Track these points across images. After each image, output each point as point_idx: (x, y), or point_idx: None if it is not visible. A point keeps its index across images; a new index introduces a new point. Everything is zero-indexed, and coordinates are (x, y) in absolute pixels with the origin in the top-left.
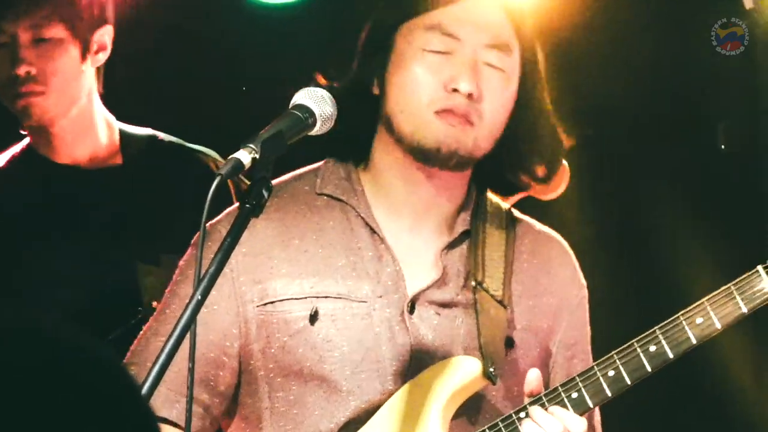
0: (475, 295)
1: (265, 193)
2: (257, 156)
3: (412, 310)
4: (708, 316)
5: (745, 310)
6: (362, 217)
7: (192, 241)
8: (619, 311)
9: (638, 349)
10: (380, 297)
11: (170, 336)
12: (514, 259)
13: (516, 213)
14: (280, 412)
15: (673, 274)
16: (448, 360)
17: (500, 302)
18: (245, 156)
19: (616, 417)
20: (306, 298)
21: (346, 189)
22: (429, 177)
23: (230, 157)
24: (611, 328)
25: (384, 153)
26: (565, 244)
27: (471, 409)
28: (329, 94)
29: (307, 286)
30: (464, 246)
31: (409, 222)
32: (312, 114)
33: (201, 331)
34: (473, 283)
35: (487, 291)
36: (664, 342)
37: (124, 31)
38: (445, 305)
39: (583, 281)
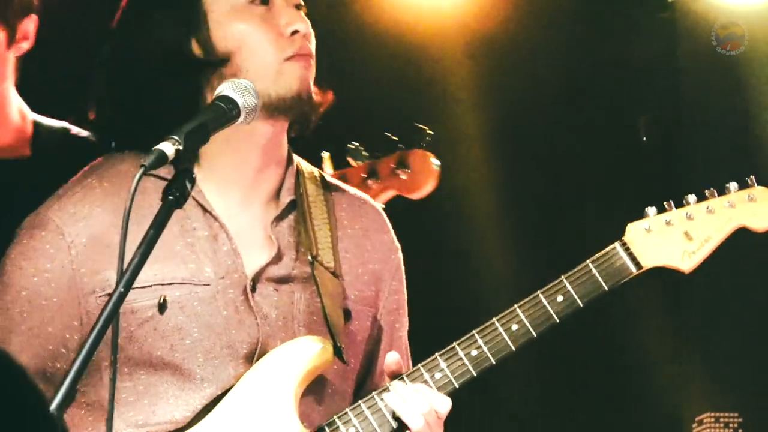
0: (313, 271)
1: (189, 185)
2: (180, 148)
3: (254, 289)
4: (569, 293)
5: (605, 287)
6: (193, 196)
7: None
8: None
9: (500, 328)
10: (222, 278)
11: (92, 329)
12: (338, 227)
13: (327, 177)
14: (129, 403)
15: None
16: (298, 339)
17: (333, 273)
18: (169, 148)
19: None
20: (151, 286)
21: (173, 169)
22: (269, 136)
23: (153, 148)
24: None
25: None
26: (378, 206)
27: (313, 383)
28: (253, 86)
29: (150, 273)
30: (291, 216)
31: (239, 195)
32: (236, 105)
33: (39, 323)
34: (309, 258)
35: (322, 264)
36: (526, 320)
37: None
38: (281, 281)
39: (397, 244)
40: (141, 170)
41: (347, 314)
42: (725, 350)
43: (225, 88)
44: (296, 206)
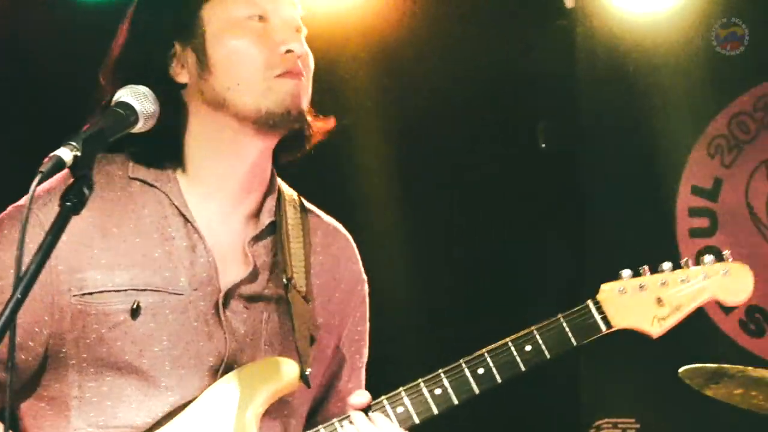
0: (287, 293)
1: (86, 191)
2: (79, 153)
3: (226, 304)
4: (538, 345)
5: (575, 342)
6: (176, 205)
7: None
8: (435, 311)
9: (467, 371)
10: (195, 290)
11: None
12: (311, 252)
13: (305, 202)
14: (92, 403)
15: (493, 272)
16: (267, 359)
17: (305, 298)
18: (67, 153)
19: None
20: (126, 290)
21: (159, 175)
22: (256, 153)
23: (51, 154)
24: (427, 327)
25: (202, 139)
26: (349, 236)
27: (274, 406)
28: (151, 91)
29: (126, 277)
30: (270, 238)
31: (221, 209)
32: (134, 111)
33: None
34: (284, 280)
35: (295, 287)
36: (493, 366)
37: None
38: (253, 299)
39: (365, 276)
40: (38, 176)
41: (312, 339)
42: (622, 355)
43: (123, 94)
44: (275, 228)
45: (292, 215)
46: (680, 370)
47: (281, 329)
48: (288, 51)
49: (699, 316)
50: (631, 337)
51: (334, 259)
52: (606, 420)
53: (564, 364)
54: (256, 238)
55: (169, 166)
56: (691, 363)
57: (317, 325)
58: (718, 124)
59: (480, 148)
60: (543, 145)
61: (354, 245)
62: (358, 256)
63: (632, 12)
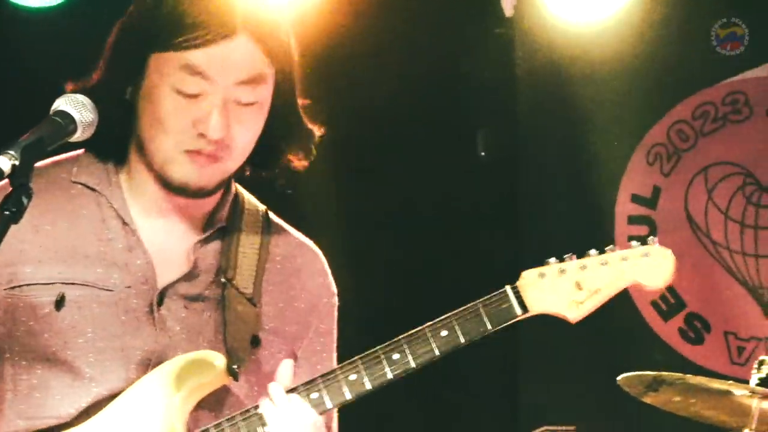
0: (223, 291)
1: (25, 200)
2: (17, 162)
3: (160, 303)
4: (453, 330)
5: (489, 327)
6: (115, 209)
7: None
8: (374, 314)
9: (382, 356)
10: (128, 287)
11: None
12: (267, 260)
13: (273, 216)
14: (23, 395)
15: (430, 278)
16: (193, 353)
17: (250, 300)
18: (5, 162)
19: None
20: (53, 284)
21: (102, 180)
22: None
23: None
24: (365, 332)
25: (138, 162)
26: (319, 252)
27: (215, 402)
28: (90, 101)
29: (55, 271)
30: (218, 242)
31: (162, 221)
32: (72, 120)
33: None
34: (223, 279)
35: (236, 288)
36: (408, 351)
37: None
38: (193, 299)
39: (335, 289)
40: None
41: (256, 340)
42: (562, 362)
43: (61, 103)
44: (225, 233)
45: (249, 223)
46: (619, 377)
47: (222, 329)
48: (201, 135)
49: (638, 324)
50: (571, 343)
51: (295, 271)
52: (546, 428)
53: (503, 372)
54: (204, 241)
55: (113, 171)
56: (631, 371)
57: (266, 329)
58: (657, 133)
59: (419, 155)
60: (482, 153)
61: (324, 261)
62: (328, 272)
63: (570, 21)
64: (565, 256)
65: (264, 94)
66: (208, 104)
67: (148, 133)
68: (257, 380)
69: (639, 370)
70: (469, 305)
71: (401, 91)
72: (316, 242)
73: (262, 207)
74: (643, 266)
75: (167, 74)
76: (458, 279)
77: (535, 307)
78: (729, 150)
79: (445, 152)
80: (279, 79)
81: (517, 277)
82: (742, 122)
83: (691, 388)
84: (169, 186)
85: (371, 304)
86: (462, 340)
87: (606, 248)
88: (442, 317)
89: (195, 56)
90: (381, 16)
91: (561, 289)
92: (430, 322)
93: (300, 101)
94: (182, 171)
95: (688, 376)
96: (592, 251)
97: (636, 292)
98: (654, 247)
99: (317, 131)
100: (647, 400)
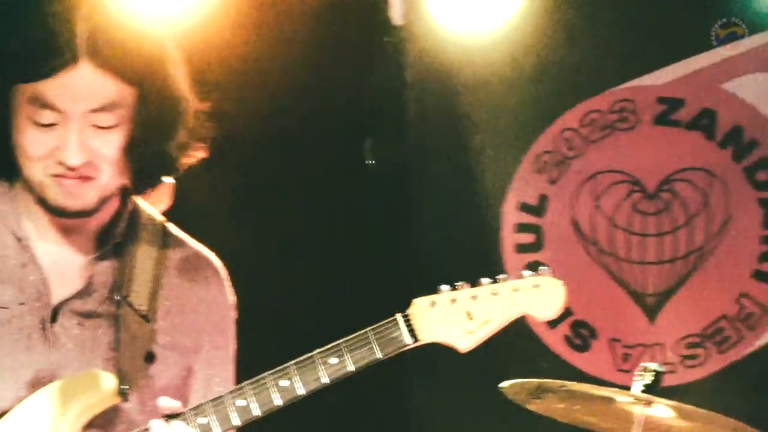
0: (118, 309)
1: None
2: None
3: (54, 319)
4: (343, 358)
5: (380, 355)
6: (9, 225)
7: None
8: (263, 328)
9: (270, 382)
10: (22, 304)
11: None
12: (164, 273)
13: (170, 227)
14: None
15: (322, 287)
16: (84, 372)
17: (144, 316)
18: None
19: None
20: None
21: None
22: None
23: None
24: (251, 346)
25: (24, 183)
26: (217, 263)
27: (107, 420)
28: None
29: None
30: (115, 258)
31: (55, 238)
32: None
33: None
34: (117, 297)
35: (131, 305)
36: (297, 377)
37: None
38: (88, 316)
39: (232, 302)
40: None
41: (150, 356)
42: (448, 371)
43: None
44: (121, 248)
45: (146, 238)
46: (502, 385)
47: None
48: (61, 162)
49: (523, 331)
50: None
51: (191, 284)
52: None
53: (393, 377)
54: (98, 258)
55: (8, 187)
56: (517, 378)
57: (161, 344)
58: (545, 140)
59: (309, 164)
60: (371, 162)
61: (220, 271)
62: (225, 284)
63: (459, 30)
64: (457, 284)
65: (124, 114)
66: (64, 133)
67: (20, 159)
68: (151, 396)
69: (526, 378)
70: (359, 333)
71: (290, 100)
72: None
73: (160, 219)
74: (533, 297)
75: (23, 105)
76: (348, 287)
77: (426, 337)
78: (616, 158)
79: (335, 161)
80: (146, 95)
81: (407, 284)
82: (630, 130)
83: (574, 395)
84: (48, 208)
85: (260, 317)
86: (352, 368)
87: (498, 277)
88: (332, 344)
89: (43, 88)
90: (270, 23)
91: (452, 318)
92: (320, 349)
93: (194, 106)
94: (54, 194)
95: (571, 383)
96: (484, 280)
97: None
98: (545, 278)
99: (208, 133)
100: (531, 407)
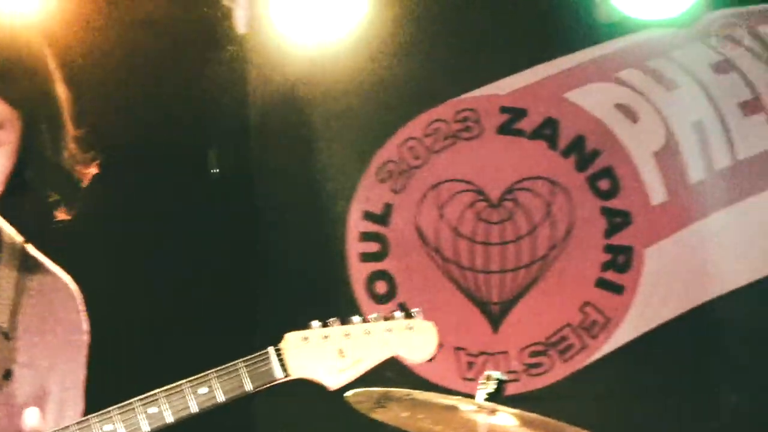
0: None
1: None
2: None
3: None
4: (212, 388)
5: (250, 388)
6: None
7: None
8: (115, 356)
9: (138, 410)
10: None
11: None
12: (23, 294)
13: (30, 249)
14: None
15: (168, 300)
16: None
17: (5, 334)
18: None
19: None
20: None
21: None
22: None
23: None
24: (101, 372)
25: None
26: (73, 287)
27: None
28: None
29: None
30: None
31: None
32: None
33: None
34: None
35: None
36: (165, 405)
37: None
38: None
39: (86, 326)
40: None
41: (8, 374)
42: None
43: None
44: None
45: (7, 258)
46: (346, 394)
47: None
48: None
49: None
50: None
51: (49, 305)
52: None
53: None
54: None
55: None
56: (362, 387)
57: (19, 362)
58: (389, 150)
59: (152, 173)
60: (215, 171)
61: (77, 296)
62: (80, 308)
63: (302, 40)
64: (328, 320)
65: (10, 137)
66: None
67: None
68: (8, 414)
69: (370, 387)
70: (231, 363)
71: (132, 110)
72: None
73: (19, 239)
74: (406, 339)
75: None
76: (194, 298)
77: (296, 372)
78: (460, 167)
79: (179, 170)
80: (27, 120)
81: (251, 293)
82: (473, 139)
83: (418, 404)
84: None
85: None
86: (222, 399)
87: (370, 317)
88: (202, 374)
89: None
90: (110, 31)
91: (323, 355)
92: (189, 378)
93: (71, 132)
94: None
95: (416, 391)
96: (355, 318)
97: (365, 305)
98: (417, 321)
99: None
100: (376, 416)
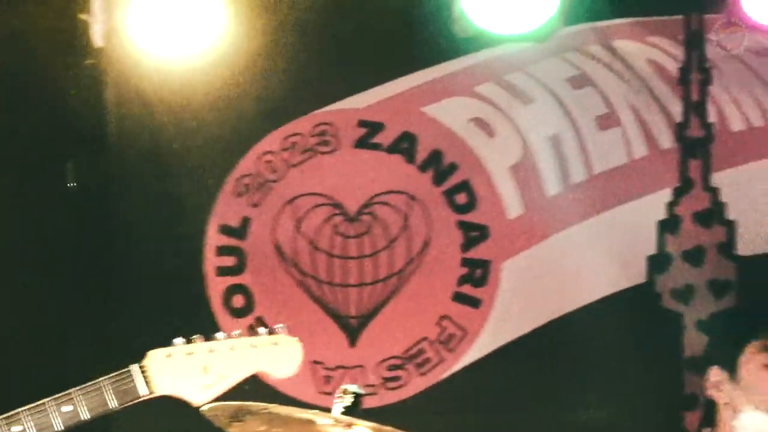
0: None
1: None
2: None
3: None
4: (76, 406)
5: (115, 405)
6: None
7: None
8: None
9: (2, 428)
10: None
11: None
12: None
13: None
14: None
15: (27, 314)
16: None
17: None
18: None
19: None
20: None
21: None
22: None
23: None
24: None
25: None
26: None
27: None
28: None
29: None
30: None
31: None
32: None
33: None
34: None
35: None
36: (30, 424)
37: None
38: None
39: None
40: None
41: None
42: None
43: None
44: None
45: None
46: (202, 408)
47: None
48: None
49: None
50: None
51: None
52: None
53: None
54: None
55: None
56: (217, 401)
57: None
58: (246, 164)
59: (7, 186)
60: (71, 184)
61: None
62: None
63: (160, 54)
64: (192, 337)
65: None
66: None
67: None
68: None
69: (226, 401)
70: (94, 381)
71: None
72: None
73: None
74: (271, 355)
75: None
76: (53, 313)
77: (160, 389)
78: (317, 181)
79: (34, 183)
80: None
81: (107, 309)
82: (331, 153)
83: (275, 418)
84: None
85: None
86: (87, 416)
87: (234, 333)
88: (65, 392)
89: None
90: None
91: (188, 372)
92: (53, 396)
93: None
94: None
95: (273, 405)
96: (219, 334)
97: (223, 320)
98: (282, 337)
99: None
100: (233, 430)
